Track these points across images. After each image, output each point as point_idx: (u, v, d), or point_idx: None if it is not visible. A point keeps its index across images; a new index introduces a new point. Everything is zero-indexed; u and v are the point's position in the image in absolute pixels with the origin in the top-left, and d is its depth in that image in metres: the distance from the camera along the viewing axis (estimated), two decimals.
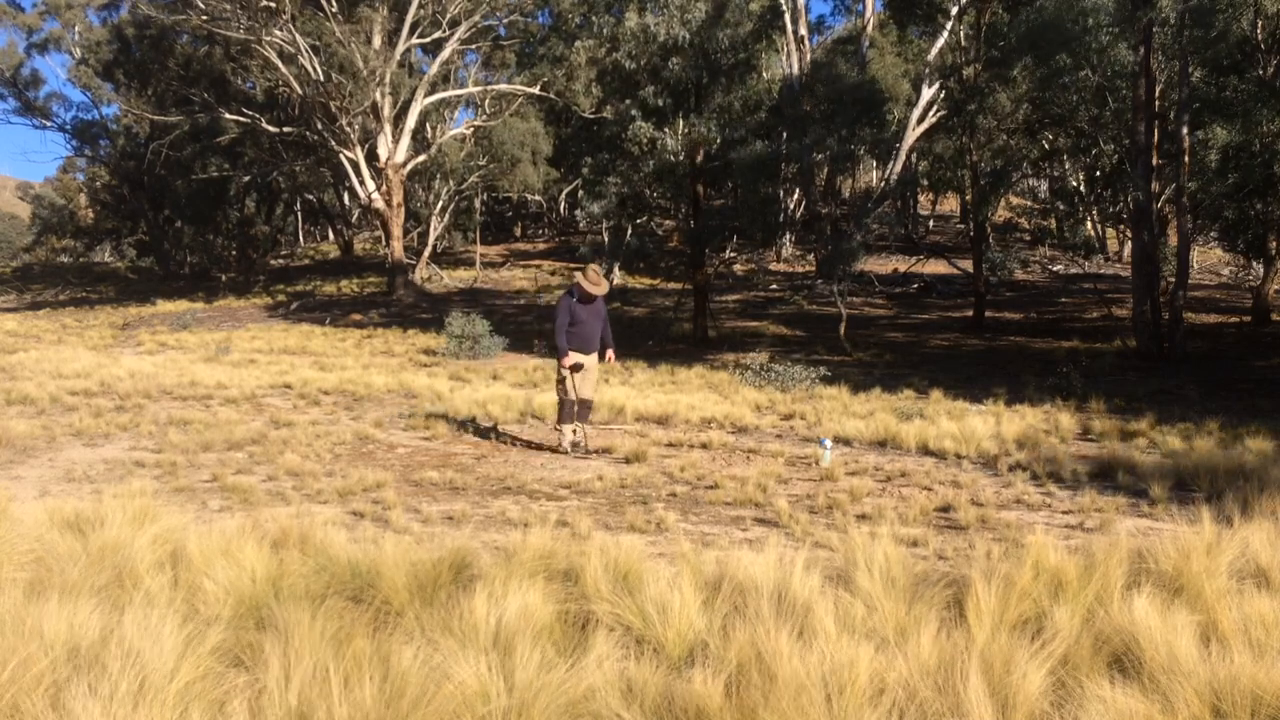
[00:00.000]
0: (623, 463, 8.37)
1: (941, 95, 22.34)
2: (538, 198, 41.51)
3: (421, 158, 30.88)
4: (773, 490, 7.25)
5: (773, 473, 7.81)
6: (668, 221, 37.39)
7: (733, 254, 25.86)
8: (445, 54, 29.70)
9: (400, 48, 28.03)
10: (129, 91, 36.85)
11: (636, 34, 19.52)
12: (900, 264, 33.58)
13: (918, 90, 23.48)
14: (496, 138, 32.01)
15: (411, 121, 28.50)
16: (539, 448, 9.04)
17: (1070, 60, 17.56)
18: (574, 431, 8.87)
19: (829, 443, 8.58)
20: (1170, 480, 7.21)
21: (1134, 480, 7.38)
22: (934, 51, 22.98)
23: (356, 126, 28.12)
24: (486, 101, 32.46)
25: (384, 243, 31.08)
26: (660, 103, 20.47)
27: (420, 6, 27.68)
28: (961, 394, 13.10)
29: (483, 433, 9.78)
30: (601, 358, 8.93)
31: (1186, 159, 17.05)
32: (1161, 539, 4.78)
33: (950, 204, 48.51)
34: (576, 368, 8.82)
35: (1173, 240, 20.12)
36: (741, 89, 21.32)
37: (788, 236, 35.81)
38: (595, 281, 8.84)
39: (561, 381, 8.80)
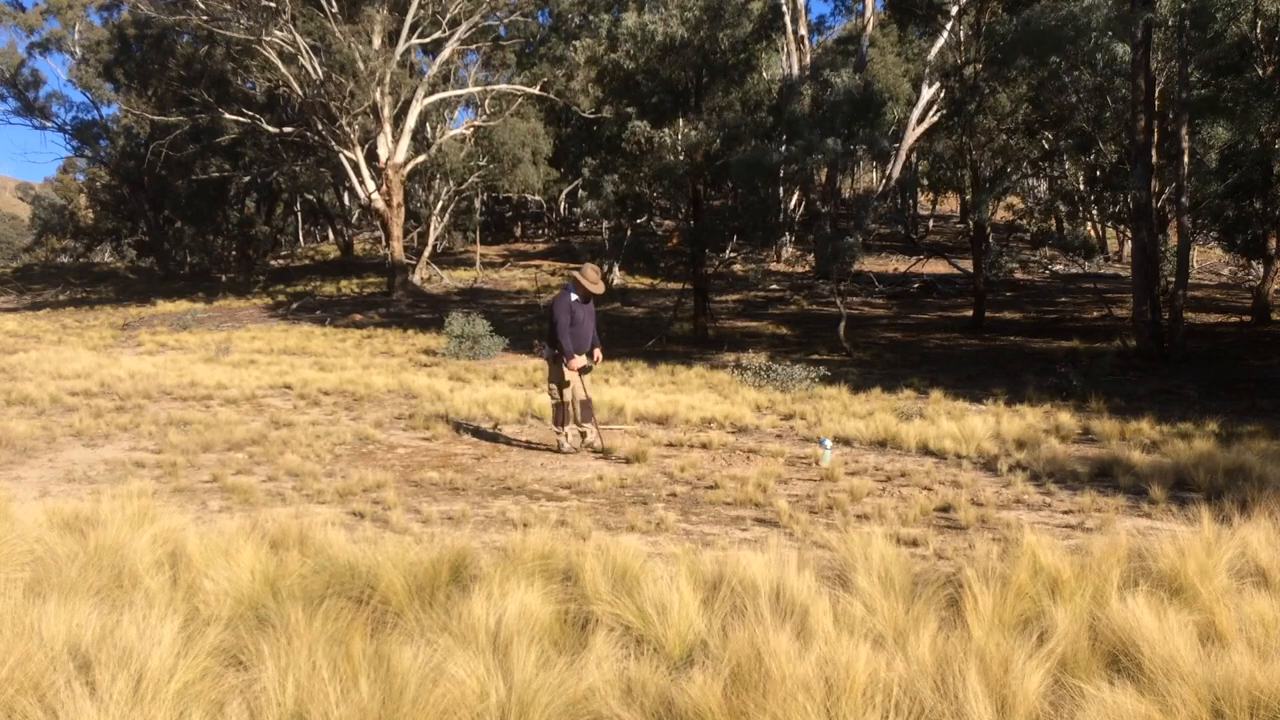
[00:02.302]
0: (623, 463, 8.38)
1: (941, 95, 22.34)
2: (538, 198, 41.55)
3: (421, 158, 30.88)
4: (773, 490, 7.25)
5: (773, 473, 7.81)
6: (668, 222, 37.46)
7: (733, 254, 25.89)
8: (445, 54, 29.70)
9: (400, 48, 28.02)
10: (129, 92, 36.85)
11: (634, 33, 19.53)
12: (900, 264, 33.60)
13: (918, 90, 23.49)
14: (496, 138, 32.01)
15: (411, 122, 28.50)
16: (539, 448, 9.04)
17: (1068, 61, 17.58)
18: (577, 433, 8.87)
19: (829, 443, 8.58)
20: (1170, 480, 7.21)
21: (1134, 480, 7.38)
22: (934, 51, 23.00)
23: (356, 127, 28.12)
24: (486, 101, 32.46)
25: (384, 243, 31.09)
26: (658, 102, 20.47)
27: (420, 6, 27.68)
28: (961, 394, 13.10)
29: (483, 433, 9.79)
30: (590, 356, 8.91)
31: (1186, 158, 17.05)
32: (1160, 539, 4.78)
33: (950, 204, 48.54)
34: (585, 370, 8.80)
35: (1173, 240, 20.12)
36: (741, 89, 21.33)
37: (788, 236, 35.83)
38: (595, 280, 8.81)
39: (556, 384, 8.77)
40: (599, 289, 8.84)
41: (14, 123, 77.60)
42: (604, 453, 8.71)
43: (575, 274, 8.88)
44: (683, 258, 25.17)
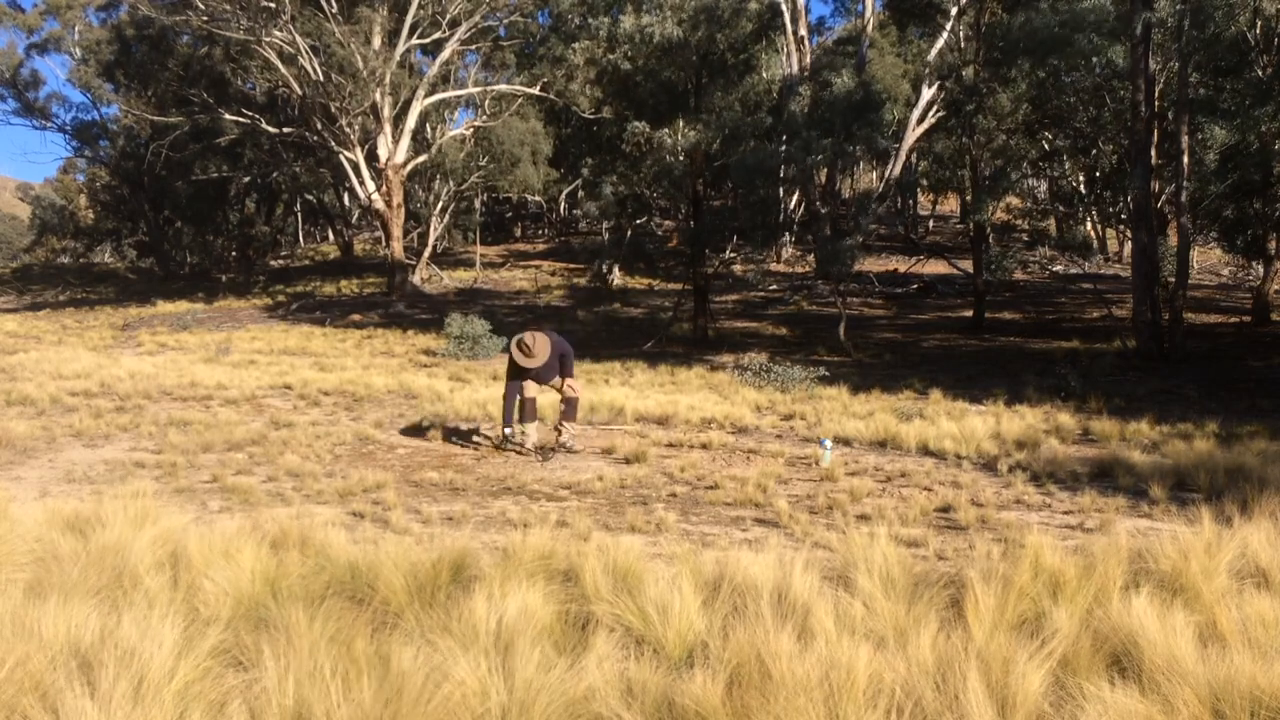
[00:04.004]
0: (623, 463, 8.37)
1: (941, 96, 22.34)
2: (538, 198, 41.54)
3: (421, 158, 30.87)
4: (773, 490, 7.24)
5: (773, 473, 7.81)
6: (667, 222, 37.49)
7: (732, 254, 25.90)
8: (445, 54, 29.69)
9: (400, 48, 28.01)
10: (129, 92, 36.83)
11: (632, 35, 19.52)
12: (900, 264, 33.60)
13: (917, 90, 23.48)
14: (496, 138, 32.00)
15: (411, 122, 28.49)
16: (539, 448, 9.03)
17: (1067, 63, 17.59)
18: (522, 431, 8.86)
19: (829, 443, 8.58)
20: (1170, 480, 7.21)
21: (1134, 480, 7.37)
22: (934, 52, 22.98)
23: (356, 127, 28.10)
24: (486, 102, 32.45)
25: (384, 243, 31.07)
26: (657, 103, 20.46)
27: (420, 7, 27.67)
28: (961, 394, 13.10)
29: (483, 433, 9.77)
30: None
31: (1186, 159, 17.05)
32: (1161, 539, 4.78)
33: (950, 204, 48.55)
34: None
35: (1173, 240, 20.13)
36: (740, 90, 21.32)
37: (787, 236, 35.83)
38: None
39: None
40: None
41: (14, 123, 77.70)
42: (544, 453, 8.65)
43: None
44: (682, 258, 25.17)
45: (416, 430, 9.91)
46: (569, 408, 8.86)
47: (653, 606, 3.80)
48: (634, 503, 6.94)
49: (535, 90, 29.77)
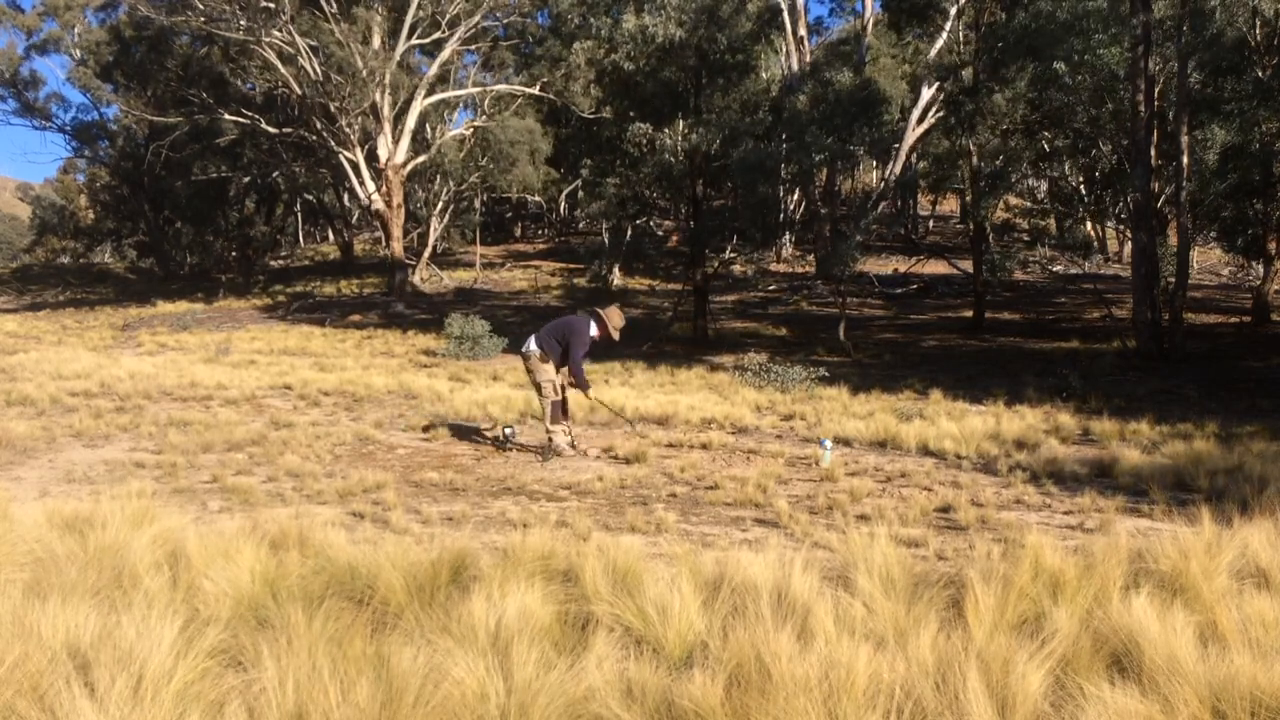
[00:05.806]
0: (622, 463, 8.37)
1: (940, 96, 22.34)
2: (537, 198, 41.55)
3: (421, 158, 30.86)
4: (773, 491, 7.24)
5: (773, 473, 7.81)
6: (667, 222, 37.48)
7: (732, 254, 25.88)
8: (444, 55, 29.67)
9: (399, 48, 27.99)
10: (128, 92, 36.82)
11: (634, 35, 19.51)
12: (900, 264, 33.60)
13: (916, 91, 23.49)
14: (496, 138, 31.99)
15: (411, 122, 28.48)
16: (536, 449, 9.03)
17: (1067, 64, 17.59)
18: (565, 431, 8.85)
19: (829, 443, 8.58)
20: (1170, 481, 7.21)
21: (1134, 480, 7.37)
22: (933, 52, 22.98)
23: (356, 127, 28.08)
24: (486, 102, 32.44)
25: (384, 243, 31.07)
26: (658, 103, 20.45)
27: (419, 7, 27.65)
28: (961, 394, 13.10)
29: (483, 433, 9.77)
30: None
31: (1185, 159, 17.05)
32: (1161, 539, 4.78)
33: (950, 204, 48.55)
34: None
35: (1173, 240, 20.14)
36: (739, 89, 21.32)
37: (787, 236, 35.84)
38: (619, 325, 8.64)
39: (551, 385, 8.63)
40: (616, 337, 8.71)
41: (14, 123, 77.68)
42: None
43: (602, 314, 8.63)
44: (682, 258, 25.19)
45: (416, 430, 9.91)
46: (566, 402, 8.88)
47: (652, 607, 3.79)
48: (634, 503, 6.94)
49: (535, 90, 29.76)
